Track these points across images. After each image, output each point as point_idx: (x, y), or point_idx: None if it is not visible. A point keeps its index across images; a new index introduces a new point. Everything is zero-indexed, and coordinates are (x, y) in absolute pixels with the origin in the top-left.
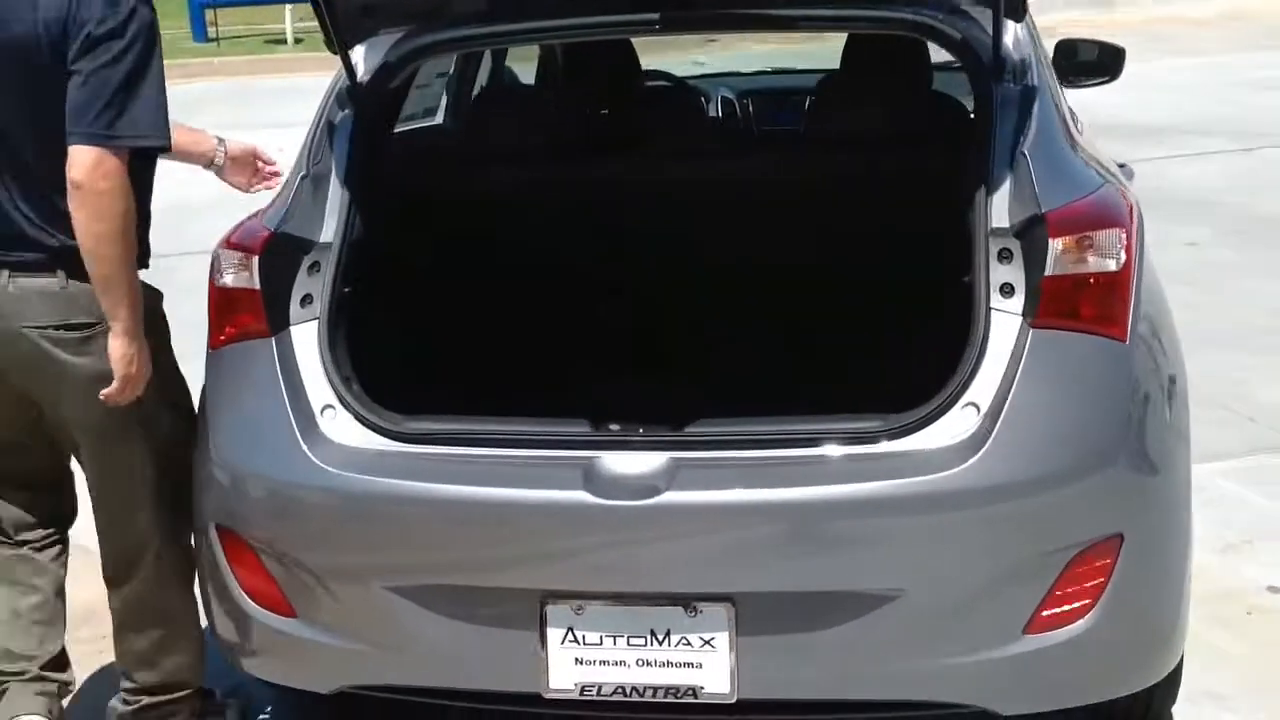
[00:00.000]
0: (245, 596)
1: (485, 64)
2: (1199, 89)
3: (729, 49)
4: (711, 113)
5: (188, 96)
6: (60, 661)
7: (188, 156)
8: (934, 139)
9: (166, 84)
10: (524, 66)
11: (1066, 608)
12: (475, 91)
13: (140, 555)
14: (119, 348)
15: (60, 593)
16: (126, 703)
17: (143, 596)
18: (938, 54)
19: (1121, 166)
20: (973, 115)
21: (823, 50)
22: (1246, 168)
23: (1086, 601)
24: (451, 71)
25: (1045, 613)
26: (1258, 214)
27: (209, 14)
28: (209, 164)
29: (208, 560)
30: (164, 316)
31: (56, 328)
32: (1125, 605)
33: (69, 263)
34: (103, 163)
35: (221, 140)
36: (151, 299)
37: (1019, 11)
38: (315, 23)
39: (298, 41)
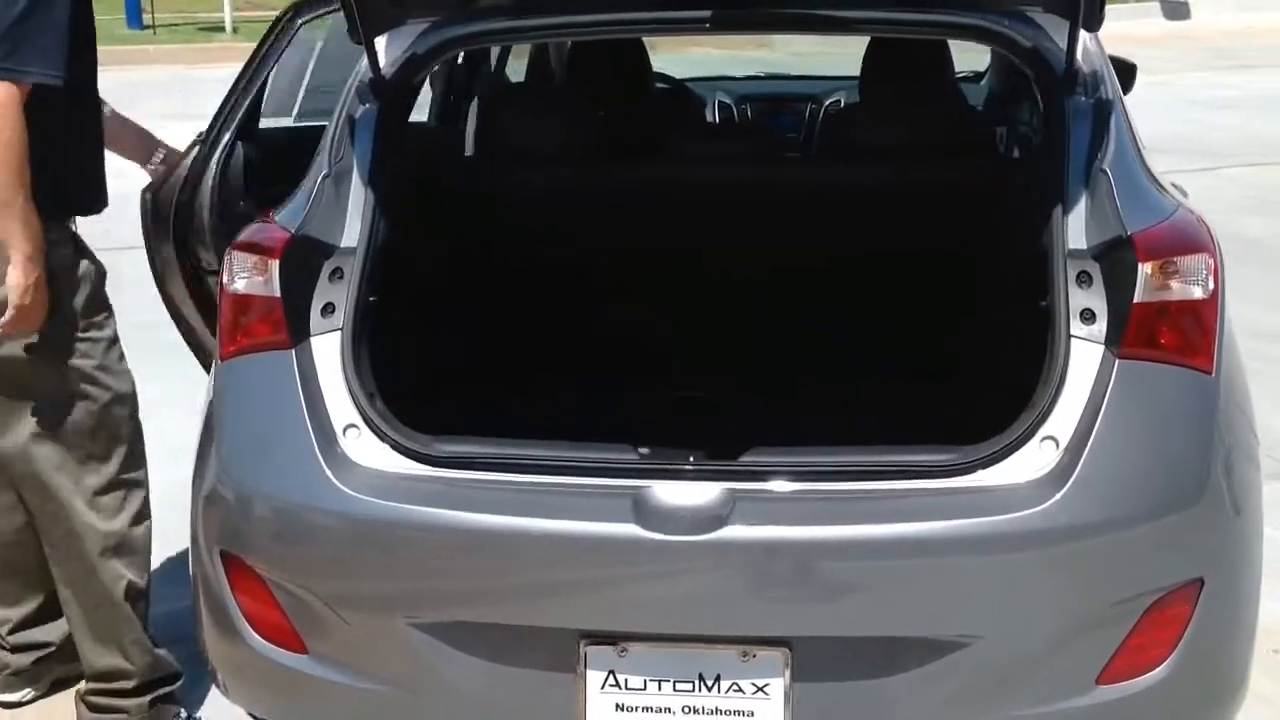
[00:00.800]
0: (250, 629)
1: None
2: (1153, 107)
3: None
4: (724, 117)
5: (124, 86)
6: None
7: (125, 151)
8: (983, 151)
9: (66, 23)
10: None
11: (1141, 657)
12: (478, 89)
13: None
14: (11, 276)
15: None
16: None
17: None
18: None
19: (1174, 185)
20: (1015, 128)
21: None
22: (1208, 185)
23: (1162, 650)
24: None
25: (1119, 662)
26: (1230, 233)
27: (144, 0)
28: (146, 162)
29: (208, 588)
30: (84, 283)
31: None
32: (1201, 655)
33: None
34: None
35: (163, 144)
36: (69, 255)
37: (1095, 20)
38: (254, 11)
39: (235, 30)
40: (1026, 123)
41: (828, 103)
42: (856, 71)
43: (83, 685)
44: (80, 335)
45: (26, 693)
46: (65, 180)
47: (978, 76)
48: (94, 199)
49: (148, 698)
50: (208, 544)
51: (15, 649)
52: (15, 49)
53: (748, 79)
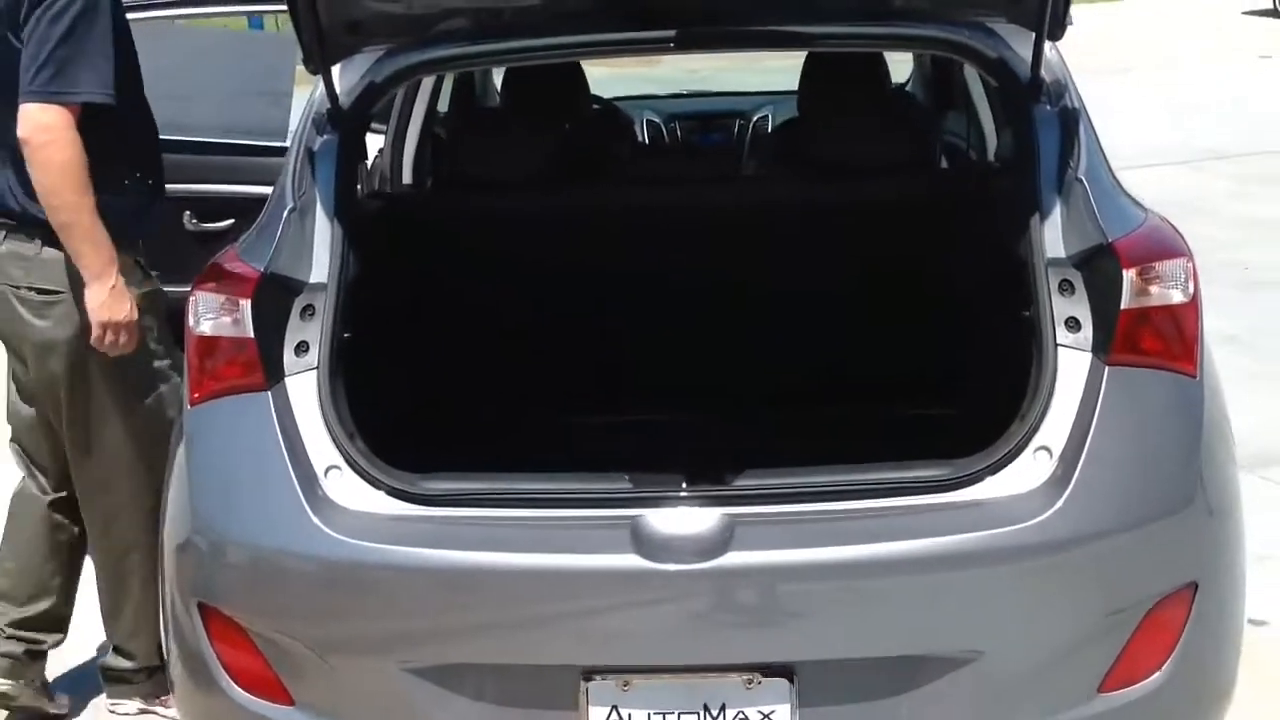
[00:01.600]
0: (231, 682)
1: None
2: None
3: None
4: (656, 135)
5: None
6: (46, 622)
7: None
8: (933, 163)
9: (110, 40)
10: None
11: (1140, 663)
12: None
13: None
14: (91, 296)
15: (74, 556)
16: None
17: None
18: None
19: None
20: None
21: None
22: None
23: (1160, 655)
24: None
25: (1120, 669)
26: None
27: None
28: None
29: (184, 641)
30: (160, 311)
31: (27, 289)
32: (1195, 658)
33: (44, 229)
34: (42, 118)
35: None
36: (138, 278)
37: (1059, 30)
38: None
39: None
40: (954, 133)
41: (756, 118)
42: (761, 85)
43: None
44: (152, 359)
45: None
46: (118, 202)
47: (899, 87)
48: (153, 190)
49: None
50: (183, 596)
51: (9, 637)
52: (60, 71)
53: (671, 97)
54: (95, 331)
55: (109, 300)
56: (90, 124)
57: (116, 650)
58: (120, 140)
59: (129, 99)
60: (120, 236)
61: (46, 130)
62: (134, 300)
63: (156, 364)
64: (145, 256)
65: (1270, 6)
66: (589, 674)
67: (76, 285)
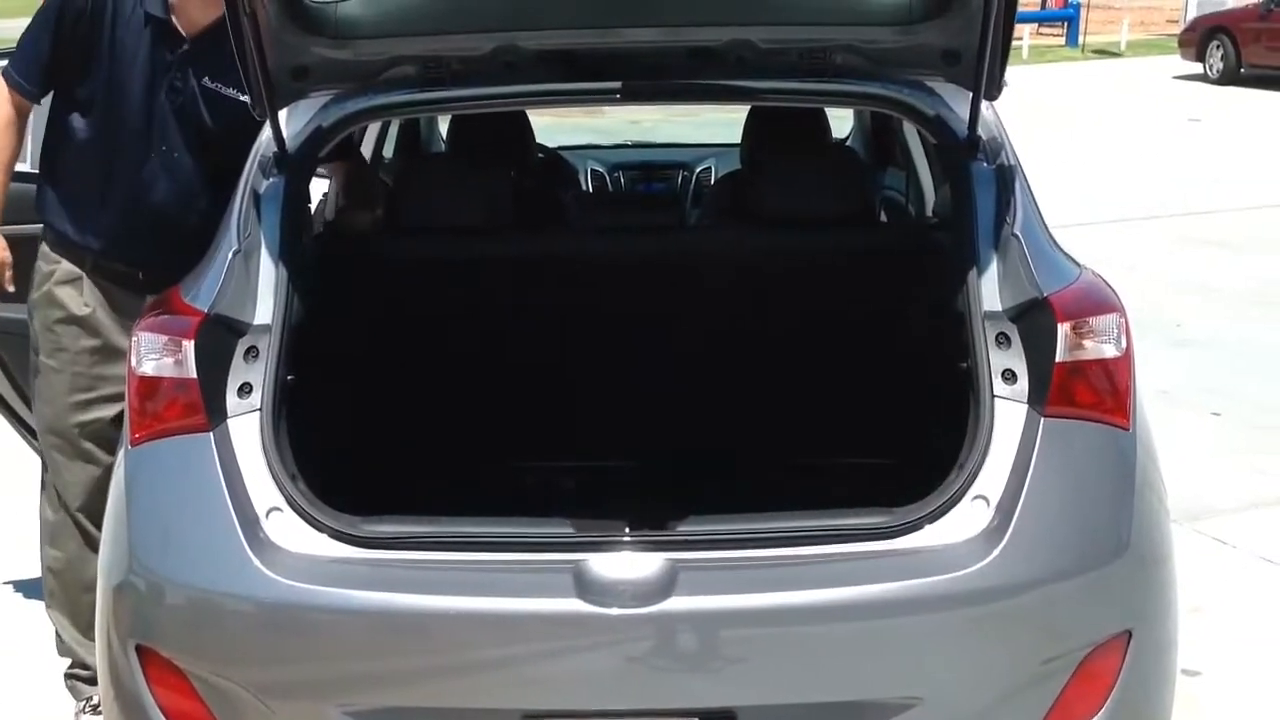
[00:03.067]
0: None
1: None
2: None
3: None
4: (600, 185)
5: None
6: None
7: None
8: (873, 217)
9: (46, 46)
10: None
11: (1075, 710)
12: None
13: None
14: None
15: None
16: None
17: None
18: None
19: None
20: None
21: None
22: None
23: (1095, 703)
24: None
25: (1055, 717)
26: None
27: None
28: None
29: (120, 685)
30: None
31: None
32: (1129, 707)
33: None
34: None
35: None
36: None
37: (995, 89)
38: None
39: None
40: (893, 188)
41: (699, 169)
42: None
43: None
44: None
45: None
46: (53, 190)
47: (840, 142)
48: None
49: None
50: (120, 638)
51: None
52: (12, 55)
53: (615, 147)
54: None
55: None
56: (54, 116)
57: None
58: (63, 142)
59: (80, 114)
60: (51, 215)
61: None
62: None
63: (38, 358)
64: (93, 262)
65: (1200, 72)
66: (531, 718)
67: None
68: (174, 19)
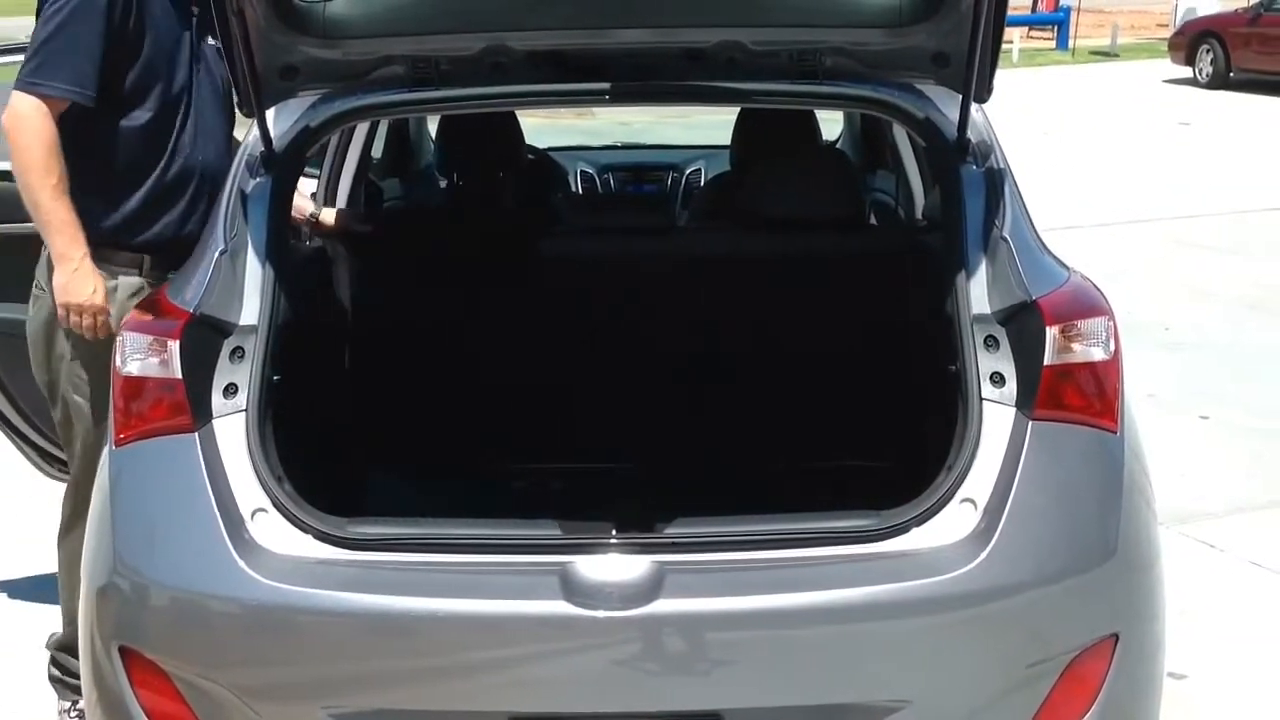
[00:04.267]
0: None
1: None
2: None
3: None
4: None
5: None
6: None
7: None
8: (863, 219)
9: (96, 44)
10: None
11: (1062, 714)
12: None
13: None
14: (55, 277)
15: None
16: None
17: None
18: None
19: None
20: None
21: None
22: None
23: (1081, 707)
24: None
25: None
26: None
27: None
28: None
29: (104, 686)
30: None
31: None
32: (1116, 711)
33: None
34: (18, 105)
35: None
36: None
37: (985, 92)
38: None
39: None
40: (883, 190)
41: (689, 171)
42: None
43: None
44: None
45: None
46: (94, 200)
47: (830, 144)
48: (138, 219)
49: None
50: (103, 640)
51: None
52: (44, 64)
53: (605, 148)
54: (59, 312)
55: (69, 282)
56: (80, 122)
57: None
58: (108, 142)
59: (129, 106)
60: (99, 231)
61: (18, 117)
62: (103, 286)
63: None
64: (152, 260)
65: (1190, 76)
66: None
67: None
68: None
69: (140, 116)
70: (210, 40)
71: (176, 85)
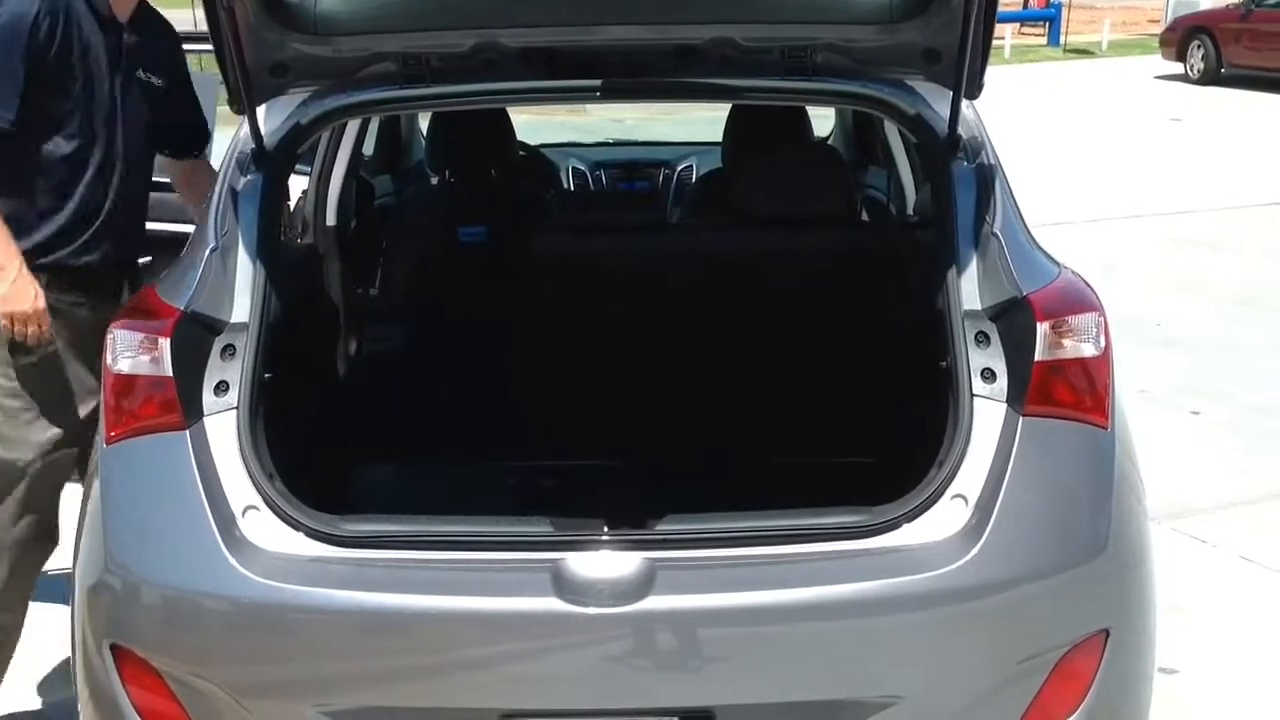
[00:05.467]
0: None
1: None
2: None
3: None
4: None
5: None
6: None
7: None
8: (854, 215)
9: (16, 69)
10: None
11: (1052, 710)
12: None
13: None
14: None
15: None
16: None
17: None
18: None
19: None
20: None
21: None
22: None
23: (1072, 703)
24: None
25: (1032, 716)
26: None
27: None
28: None
29: (96, 684)
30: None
31: None
32: (1106, 706)
33: None
34: None
35: None
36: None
37: (976, 89)
38: None
39: None
40: (874, 186)
41: (680, 167)
42: (684, 136)
43: None
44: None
45: None
46: (24, 214)
47: (821, 141)
48: (59, 230)
49: None
50: (95, 638)
51: None
52: None
53: (597, 145)
54: (3, 322)
55: (9, 292)
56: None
57: None
58: (31, 158)
59: (50, 133)
60: (27, 244)
61: None
62: (41, 293)
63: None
64: (74, 280)
65: (1181, 72)
66: (508, 717)
67: None
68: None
69: (62, 145)
70: (141, 73)
71: (105, 114)
